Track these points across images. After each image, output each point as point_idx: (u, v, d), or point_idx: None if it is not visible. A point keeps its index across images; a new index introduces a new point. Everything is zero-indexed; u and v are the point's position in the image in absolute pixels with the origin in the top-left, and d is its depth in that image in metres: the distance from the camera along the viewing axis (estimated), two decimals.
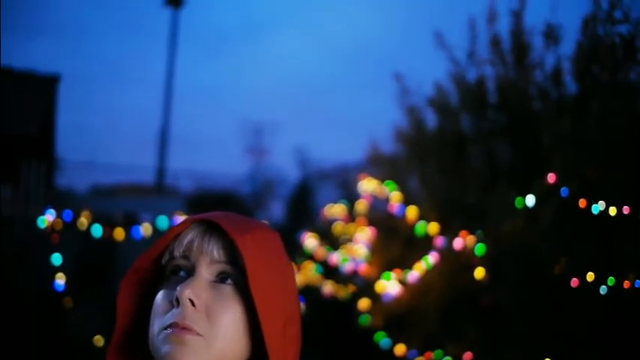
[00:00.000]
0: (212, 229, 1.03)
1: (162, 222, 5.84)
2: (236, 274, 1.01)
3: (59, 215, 5.50)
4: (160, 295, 1.02)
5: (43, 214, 5.45)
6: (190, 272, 1.02)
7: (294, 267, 1.13)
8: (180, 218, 5.95)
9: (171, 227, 1.06)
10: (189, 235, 1.03)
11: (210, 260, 1.01)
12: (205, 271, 1.01)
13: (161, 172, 17.93)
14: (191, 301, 0.97)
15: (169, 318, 0.97)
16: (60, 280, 5.41)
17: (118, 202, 13.00)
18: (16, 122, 7.63)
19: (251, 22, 31.60)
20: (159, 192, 17.38)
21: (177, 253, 1.03)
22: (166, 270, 1.05)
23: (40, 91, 8.74)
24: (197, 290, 0.98)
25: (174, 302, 0.97)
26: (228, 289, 1.00)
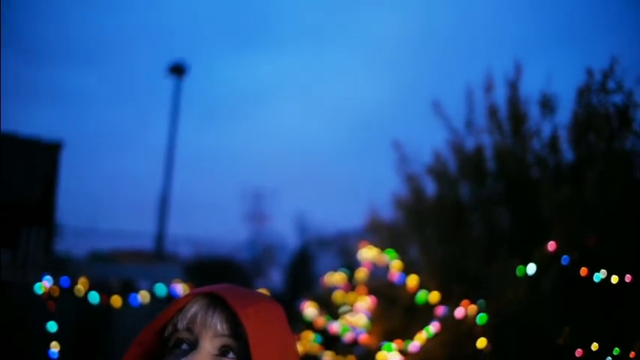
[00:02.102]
0: (216, 302, 1.03)
1: (161, 289, 5.78)
2: (239, 348, 1.01)
3: (56, 282, 5.45)
4: None
5: (40, 280, 5.40)
6: (193, 345, 1.02)
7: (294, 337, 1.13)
8: (178, 286, 5.90)
9: (175, 300, 1.07)
10: (193, 308, 1.03)
11: (213, 334, 1.01)
12: (208, 345, 1.01)
13: (160, 238, 17.87)
14: None
15: None
16: (54, 348, 5.31)
17: (117, 268, 12.90)
18: (18, 188, 7.67)
19: (252, 90, 32.23)
20: (158, 258, 17.27)
21: (180, 326, 1.03)
22: (169, 343, 1.05)
23: (42, 158, 8.82)
24: None
25: None
26: None
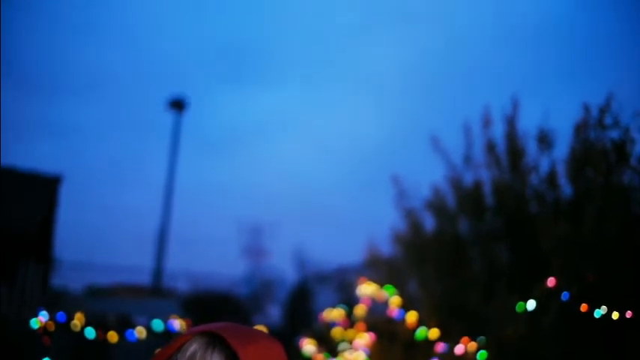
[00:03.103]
0: (215, 341, 1.02)
1: (158, 325, 5.74)
2: None
3: (52, 317, 5.41)
4: None
5: (37, 315, 5.37)
6: None
7: None
8: (175, 321, 5.85)
9: (175, 338, 1.06)
10: (193, 347, 1.02)
11: None
12: None
13: (158, 273, 17.77)
14: None
15: None
16: None
17: (114, 302, 12.81)
18: (16, 223, 7.64)
19: (252, 125, 32.42)
20: (155, 293, 17.15)
21: None
22: None
23: (41, 192, 8.81)
24: None
25: None
26: None
